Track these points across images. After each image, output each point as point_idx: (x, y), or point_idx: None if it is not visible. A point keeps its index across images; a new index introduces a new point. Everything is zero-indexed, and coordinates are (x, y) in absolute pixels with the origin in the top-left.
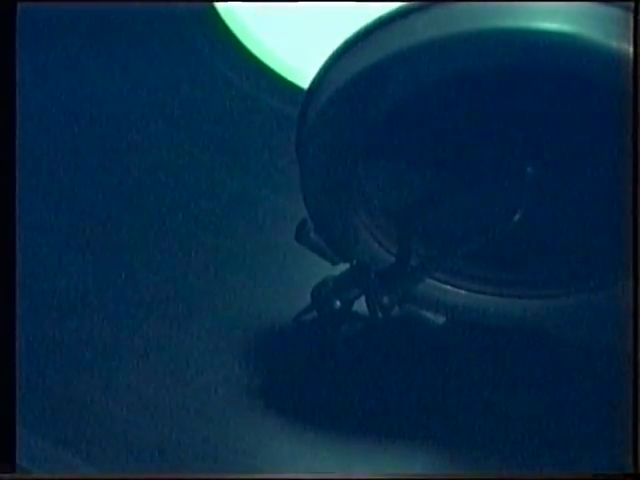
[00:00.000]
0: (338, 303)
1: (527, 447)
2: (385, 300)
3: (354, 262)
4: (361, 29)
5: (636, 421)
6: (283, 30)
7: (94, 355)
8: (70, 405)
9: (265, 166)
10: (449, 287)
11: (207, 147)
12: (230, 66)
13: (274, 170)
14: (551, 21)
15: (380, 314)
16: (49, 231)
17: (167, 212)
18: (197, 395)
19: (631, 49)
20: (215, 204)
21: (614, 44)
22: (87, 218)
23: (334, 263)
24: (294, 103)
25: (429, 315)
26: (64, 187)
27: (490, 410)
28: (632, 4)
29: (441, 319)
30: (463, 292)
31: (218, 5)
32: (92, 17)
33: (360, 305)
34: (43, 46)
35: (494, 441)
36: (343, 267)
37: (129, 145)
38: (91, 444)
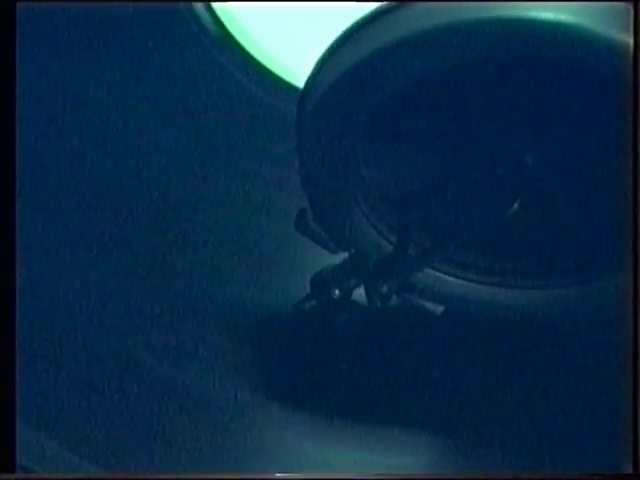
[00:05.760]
0: (337, 292)
1: (523, 441)
2: (384, 289)
3: (353, 251)
4: (356, 22)
5: (636, 420)
6: (279, 29)
7: (94, 354)
8: (70, 405)
9: (264, 160)
10: (448, 277)
11: (205, 144)
12: (227, 64)
13: (273, 164)
14: (550, 11)
15: (379, 303)
16: (49, 230)
17: (169, 206)
18: (196, 383)
19: (631, 40)
20: (215, 198)
21: (614, 35)
22: (87, 216)
23: (333, 252)
24: (291, 100)
25: (428, 305)
26: (64, 186)
27: (487, 401)
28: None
29: (440, 309)
30: (462, 282)
31: (215, 5)
32: (92, 17)
33: (359, 294)
34: (43, 46)
35: (491, 433)
36: (342, 256)
37: (129, 143)
38: (91, 443)
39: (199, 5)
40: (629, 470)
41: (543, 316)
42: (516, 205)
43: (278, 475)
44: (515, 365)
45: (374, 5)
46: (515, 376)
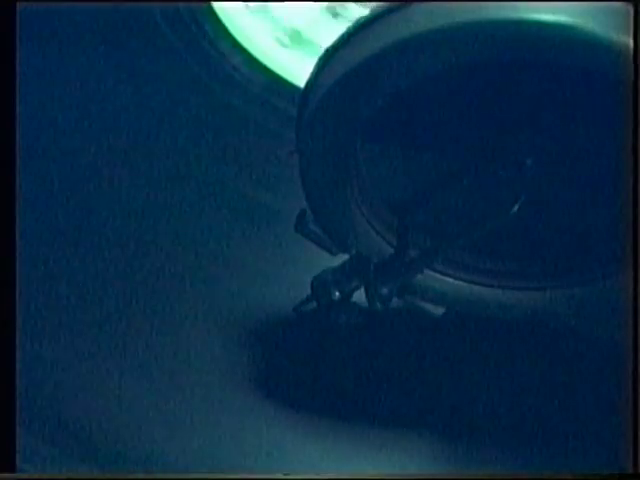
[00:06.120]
0: (337, 294)
1: (523, 441)
2: (384, 291)
3: (353, 253)
4: (357, 22)
5: (636, 420)
6: (279, 29)
7: (94, 356)
8: (70, 406)
9: (264, 161)
10: (448, 278)
11: (205, 144)
12: (227, 64)
13: (273, 165)
14: (550, 12)
15: (379, 305)
16: (49, 230)
17: (168, 206)
18: (197, 385)
19: (631, 40)
20: (215, 199)
21: (614, 35)
22: (87, 216)
23: (333, 254)
24: (291, 100)
25: (428, 306)
26: (64, 186)
27: (488, 401)
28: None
29: (440, 310)
30: (462, 283)
31: (215, 5)
32: (92, 17)
33: (359, 296)
34: (43, 46)
35: (491, 433)
36: (342, 258)
37: (129, 143)
38: (90, 444)
39: (199, 5)
40: (629, 470)
41: (543, 317)
42: (516, 206)
43: (278, 475)
44: (516, 366)
45: (375, 5)
46: (515, 376)
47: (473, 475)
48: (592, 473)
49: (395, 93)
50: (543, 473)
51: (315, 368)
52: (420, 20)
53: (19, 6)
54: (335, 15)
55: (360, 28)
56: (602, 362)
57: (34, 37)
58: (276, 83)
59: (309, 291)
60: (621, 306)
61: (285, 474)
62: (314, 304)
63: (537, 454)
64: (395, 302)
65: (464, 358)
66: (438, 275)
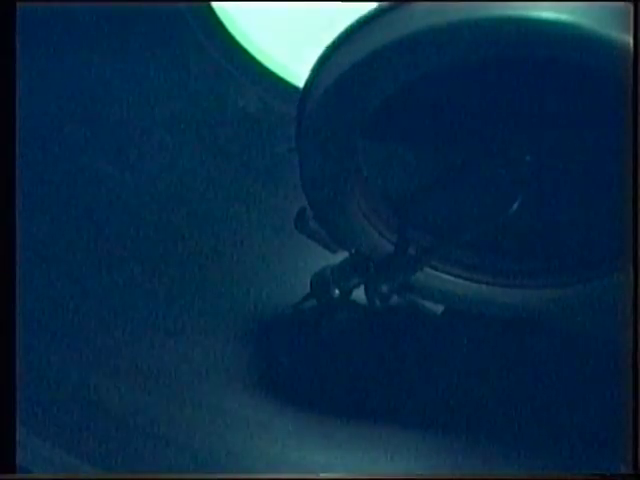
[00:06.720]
0: (337, 291)
1: (523, 441)
2: (384, 289)
3: (353, 251)
4: (356, 21)
5: (636, 420)
6: (279, 29)
7: (95, 355)
8: (70, 406)
9: (264, 160)
10: (448, 276)
11: (206, 145)
12: (227, 65)
13: (273, 164)
14: (550, 11)
15: (379, 303)
16: (49, 229)
17: (169, 206)
18: (197, 383)
19: (631, 40)
20: (215, 198)
21: (614, 35)
22: (87, 215)
23: (333, 251)
24: (291, 100)
25: (428, 304)
26: (64, 186)
27: (487, 401)
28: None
29: (439, 308)
30: (461, 281)
31: (215, 5)
32: (92, 17)
33: (359, 293)
34: (43, 46)
35: (491, 433)
36: (342, 255)
37: (129, 144)
38: (90, 444)
39: (199, 6)
40: (629, 470)
41: (543, 316)
42: (516, 204)
43: (278, 475)
44: (515, 365)
45: (374, 5)
46: (515, 376)
47: (473, 475)
48: (592, 473)
49: (394, 91)
50: (543, 473)
51: (314, 365)
52: (418, 19)
53: (19, 6)
54: None
55: (359, 27)
56: (602, 361)
57: (34, 37)
58: (276, 82)
59: (309, 289)
60: (621, 305)
61: (285, 474)
62: (314, 302)
63: (537, 454)
64: (395, 300)
65: (463, 356)
66: (437, 273)
